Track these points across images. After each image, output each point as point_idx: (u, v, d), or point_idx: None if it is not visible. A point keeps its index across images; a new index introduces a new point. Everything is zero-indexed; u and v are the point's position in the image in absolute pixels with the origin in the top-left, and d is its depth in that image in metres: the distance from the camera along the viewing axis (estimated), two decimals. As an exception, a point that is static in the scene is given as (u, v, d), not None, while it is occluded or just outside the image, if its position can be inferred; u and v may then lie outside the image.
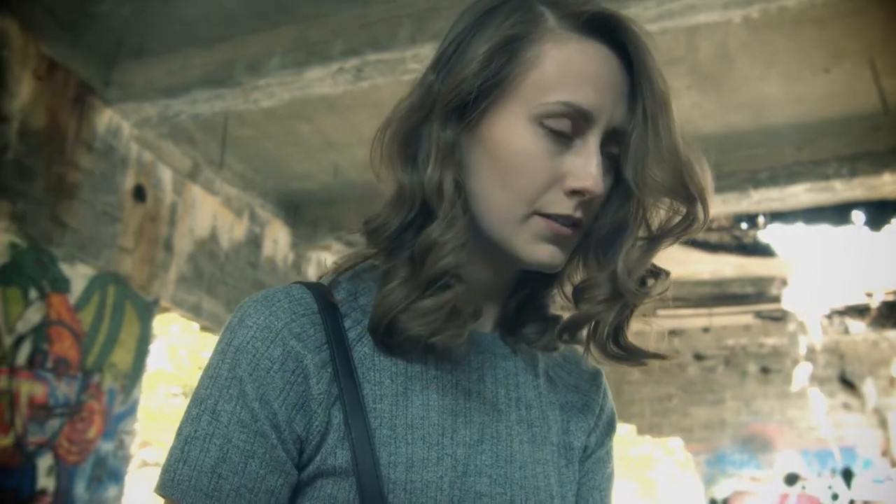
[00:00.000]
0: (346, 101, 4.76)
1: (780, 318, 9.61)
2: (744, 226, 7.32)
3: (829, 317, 9.49)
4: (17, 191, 4.09)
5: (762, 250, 7.70)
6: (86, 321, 4.48)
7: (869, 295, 8.68)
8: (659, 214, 0.81)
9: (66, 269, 4.36)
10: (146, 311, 5.01)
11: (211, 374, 0.73)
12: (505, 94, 0.75)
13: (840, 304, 9.09)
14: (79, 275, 4.45)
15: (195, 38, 4.38)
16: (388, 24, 3.99)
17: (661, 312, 8.78)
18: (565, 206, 0.74)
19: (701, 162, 0.79)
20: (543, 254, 0.76)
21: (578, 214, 0.75)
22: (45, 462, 4.16)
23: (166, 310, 5.34)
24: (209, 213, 5.70)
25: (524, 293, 0.87)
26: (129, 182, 4.88)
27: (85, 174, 4.53)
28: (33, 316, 4.14)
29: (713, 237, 7.58)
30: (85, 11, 4.19)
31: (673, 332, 9.89)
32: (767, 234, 7.35)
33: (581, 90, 0.73)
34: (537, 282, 0.86)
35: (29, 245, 4.13)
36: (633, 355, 0.80)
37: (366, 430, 0.71)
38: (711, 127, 5.26)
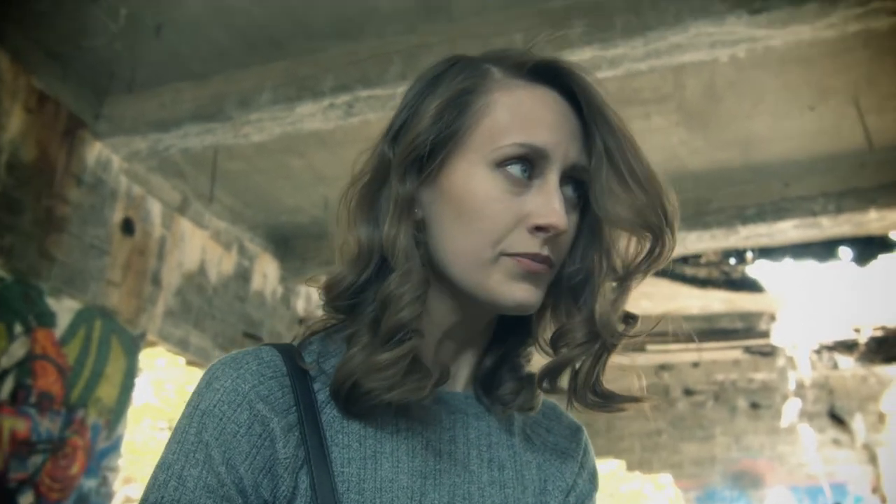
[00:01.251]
0: (336, 137, 4.78)
1: (770, 353, 9.61)
2: (732, 261, 7.35)
3: (818, 352, 9.49)
4: (5, 224, 4.06)
5: (751, 285, 7.72)
6: (71, 355, 4.43)
7: (857, 330, 8.70)
8: (627, 251, 0.80)
9: (52, 303, 4.32)
10: (132, 346, 4.96)
11: (178, 439, 0.72)
12: (460, 145, 0.76)
13: (829, 340, 9.10)
14: (65, 309, 4.41)
15: (186, 72, 4.39)
16: (379, 60, 4.02)
17: (650, 347, 8.78)
18: (531, 245, 0.74)
19: (667, 188, 0.78)
20: (519, 293, 0.75)
21: (546, 252, 0.75)
22: (26, 499, 4.08)
23: (153, 344, 5.29)
24: (198, 246, 5.68)
25: (498, 353, 0.86)
26: (117, 215, 4.86)
27: (73, 207, 4.51)
28: (17, 350, 4.09)
29: (702, 272, 7.60)
30: (76, 44, 4.20)
31: (662, 367, 9.88)
32: (756, 269, 7.37)
33: (534, 130, 0.75)
34: (510, 339, 0.86)
35: (15, 279, 4.09)
36: (611, 401, 0.79)
37: (333, 496, 0.70)
38: (699, 164, 5.30)
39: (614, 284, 0.80)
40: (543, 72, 0.80)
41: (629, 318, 0.81)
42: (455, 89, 0.78)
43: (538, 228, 0.74)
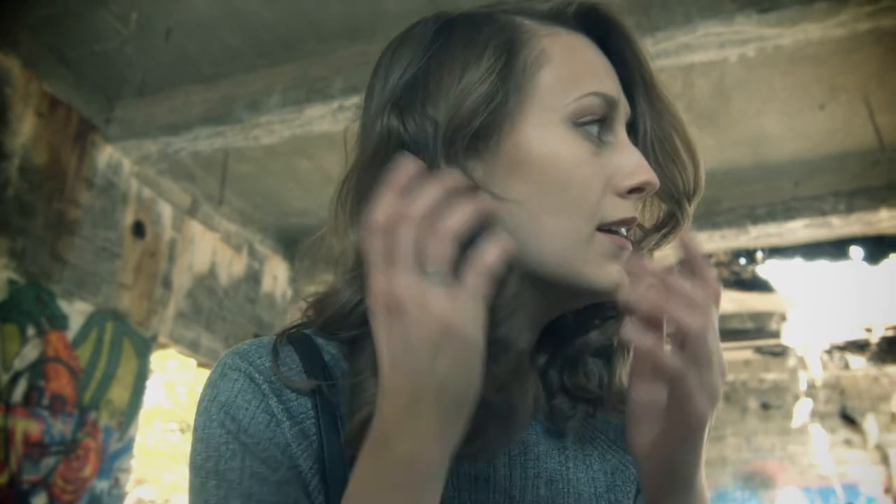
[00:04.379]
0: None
1: (780, 353, 9.58)
2: (742, 261, 7.33)
3: (829, 352, 9.45)
4: (17, 227, 4.09)
5: (761, 285, 7.70)
6: (83, 358, 4.46)
7: (868, 330, 8.66)
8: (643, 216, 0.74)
9: (64, 305, 4.35)
10: (144, 348, 4.99)
11: (203, 436, 0.62)
12: (521, 104, 0.64)
13: (840, 340, 9.06)
14: (77, 311, 4.43)
15: (196, 75, 4.41)
16: (388, 62, 4.02)
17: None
18: (627, 209, 0.66)
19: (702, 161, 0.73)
20: (616, 276, 0.65)
21: (637, 215, 0.67)
22: (39, 501, 4.10)
23: (164, 346, 5.32)
24: (208, 248, 5.70)
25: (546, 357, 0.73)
26: (128, 218, 4.89)
27: (85, 210, 4.54)
28: (30, 353, 4.12)
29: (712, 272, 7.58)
30: (87, 49, 4.23)
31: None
32: (766, 269, 7.35)
33: (600, 79, 0.66)
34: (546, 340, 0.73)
35: (28, 282, 4.12)
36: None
37: None
38: (709, 163, 5.19)
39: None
40: (582, 18, 0.70)
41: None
42: (492, 40, 0.65)
43: (632, 190, 0.65)
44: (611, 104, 0.66)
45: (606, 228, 0.65)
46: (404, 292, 0.51)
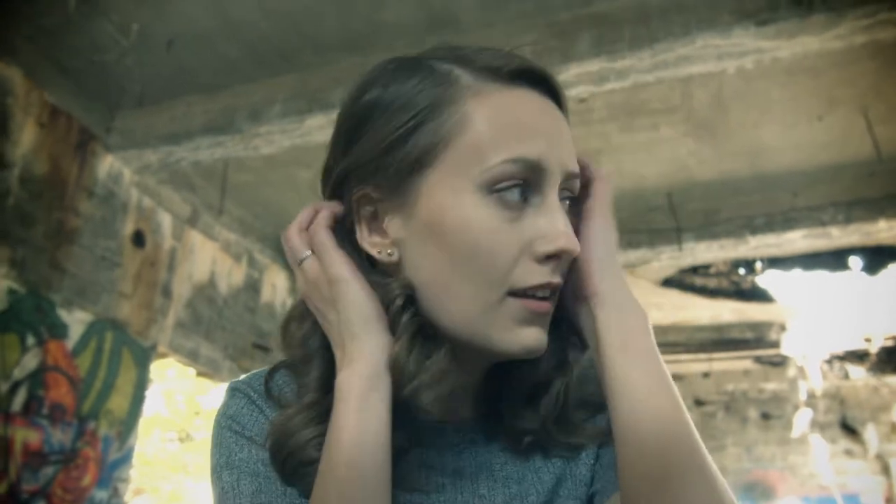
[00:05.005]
0: (345, 148, 4.80)
1: (780, 363, 9.58)
2: (742, 271, 7.34)
3: (829, 362, 9.45)
4: (18, 237, 4.10)
5: (760, 295, 7.71)
6: (83, 367, 4.46)
7: (868, 340, 8.66)
8: None
9: (63, 314, 4.35)
10: (143, 357, 4.99)
11: (216, 443, 0.74)
12: (435, 168, 0.66)
13: (839, 350, 9.06)
14: (76, 320, 4.44)
15: (197, 85, 4.43)
16: (388, 73, 4.04)
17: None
18: (541, 275, 0.65)
19: None
20: (525, 339, 0.66)
21: (557, 279, 0.67)
22: (38, 510, 4.10)
23: (164, 355, 5.32)
24: (208, 258, 5.71)
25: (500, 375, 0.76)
26: (128, 227, 4.90)
27: (85, 220, 4.55)
28: (30, 362, 4.12)
29: (711, 282, 7.59)
30: (88, 59, 4.25)
31: (673, 377, 9.82)
32: (765, 279, 7.36)
33: (524, 141, 0.65)
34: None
35: (28, 291, 4.13)
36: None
37: None
38: (707, 174, 5.31)
39: None
40: (521, 73, 0.69)
41: None
42: (418, 98, 0.67)
43: (548, 257, 0.65)
44: (533, 168, 0.65)
45: (520, 293, 0.65)
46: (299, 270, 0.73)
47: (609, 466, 0.73)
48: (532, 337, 0.66)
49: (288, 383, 0.77)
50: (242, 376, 0.80)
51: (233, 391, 0.77)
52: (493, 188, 0.64)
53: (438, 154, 0.66)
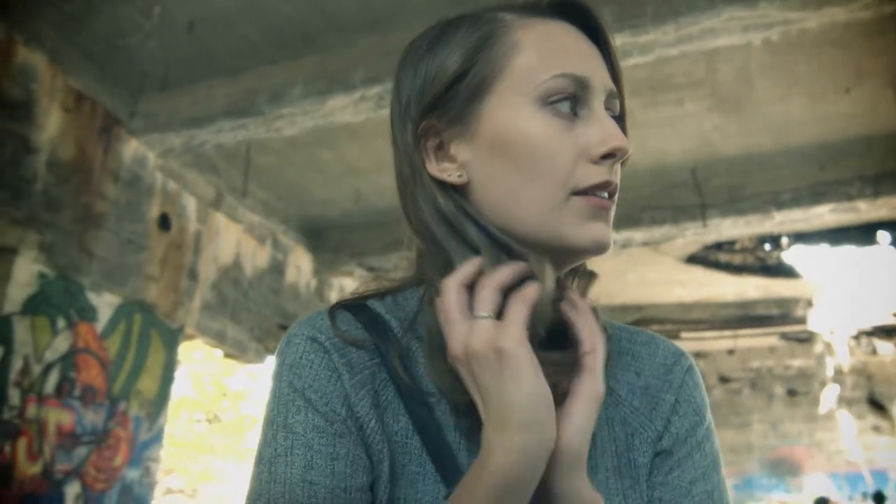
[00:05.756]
0: (367, 129, 4.80)
1: (807, 339, 9.51)
2: (767, 247, 7.28)
3: (857, 338, 9.37)
4: (46, 221, 4.15)
5: (786, 271, 7.64)
6: (112, 349, 4.53)
7: (896, 315, 8.57)
8: None
9: (92, 297, 4.41)
10: (171, 339, 5.05)
11: (274, 396, 0.74)
12: (494, 90, 0.74)
13: (867, 325, 8.97)
14: (105, 303, 4.50)
15: (218, 68, 4.44)
16: (409, 52, 4.03)
17: (685, 335, 8.71)
18: (599, 174, 0.72)
19: None
20: (594, 233, 0.72)
21: (615, 178, 0.73)
22: (72, 490, 4.18)
23: (191, 337, 5.38)
24: (233, 240, 5.75)
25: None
26: (154, 211, 4.94)
27: (111, 204, 4.59)
28: (61, 344, 4.19)
29: (737, 259, 7.54)
30: (111, 44, 4.27)
31: (697, 355, 9.81)
32: (791, 254, 7.29)
33: (569, 60, 0.73)
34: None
35: (57, 274, 4.18)
36: None
37: (450, 458, 0.72)
38: (732, 149, 5.25)
39: None
40: (558, 7, 0.78)
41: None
42: (470, 38, 0.75)
43: (604, 157, 0.72)
44: (579, 82, 0.73)
45: (582, 192, 0.72)
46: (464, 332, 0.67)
47: (684, 440, 0.80)
48: (600, 231, 0.72)
49: (353, 319, 0.77)
50: (300, 318, 0.79)
51: (292, 337, 0.76)
52: (546, 101, 0.72)
53: (495, 79, 0.74)
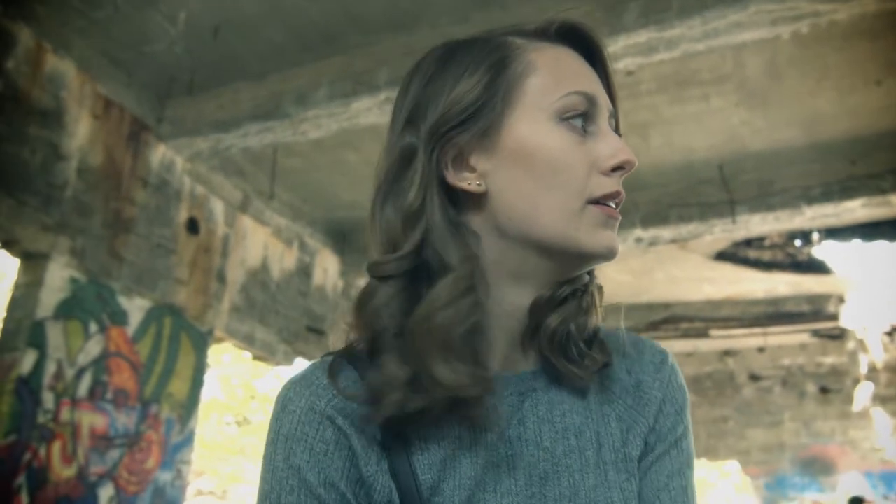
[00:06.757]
0: (392, 130, 4.81)
1: (839, 336, 9.37)
2: (798, 243, 7.18)
3: (890, 334, 9.22)
4: (77, 227, 4.21)
5: (817, 267, 7.54)
6: (143, 352, 4.57)
7: (931, 310, 8.42)
8: None
9: (123, 301, 4.46)
10: (201, 342, 5.09)
11: (269, 468, 0.75)
12: (512, 105, 0.78)
13: (901, 321, 8.83)
14: (136, 307, 4.54)
15: (244, 72, 4.47)
16: (433, 52, 4.03)
17: (714, 333, 8.63)
18: (611, 185, 0.78)
19: None
20: (607, 240, 0.78)
21: (622, 189, 0.79)
22: (106, 492, 4.23)
23: (220, 340, 5.42)
24: (260, 243, 5.78)
25: (559, 317, 0.82)
26: (182, 215, 4.98)
27: (140, 208, 4.64)
28: (93, 348, 4.24)
29: (766, 255, 7.45)
30: (138, 50, 4.32)
31: (727, 353, 9.71)
32: (822, 250, 7.19)
33: (580, 80, 0.79)
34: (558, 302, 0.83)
35: (88, 279, 4.24)
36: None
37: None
38: (760, 144, 5.19)
39: None
40: (564, 34, 0.83)
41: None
42: (488, 59, 0.80)
43: (614, 169, 0.78)
44: (590, 100, 0.79)
45: (595, 202, 0.77)
46: None
47: (666, 435, 0.84)
48: (611, 239, 0.78)
49: (355, 372, 0.78)
50: (295, 374, 0.79)
51: (287, 402, 0.76)
52: (562, 117, 0.78)
53: (514, 96, 0.78)
